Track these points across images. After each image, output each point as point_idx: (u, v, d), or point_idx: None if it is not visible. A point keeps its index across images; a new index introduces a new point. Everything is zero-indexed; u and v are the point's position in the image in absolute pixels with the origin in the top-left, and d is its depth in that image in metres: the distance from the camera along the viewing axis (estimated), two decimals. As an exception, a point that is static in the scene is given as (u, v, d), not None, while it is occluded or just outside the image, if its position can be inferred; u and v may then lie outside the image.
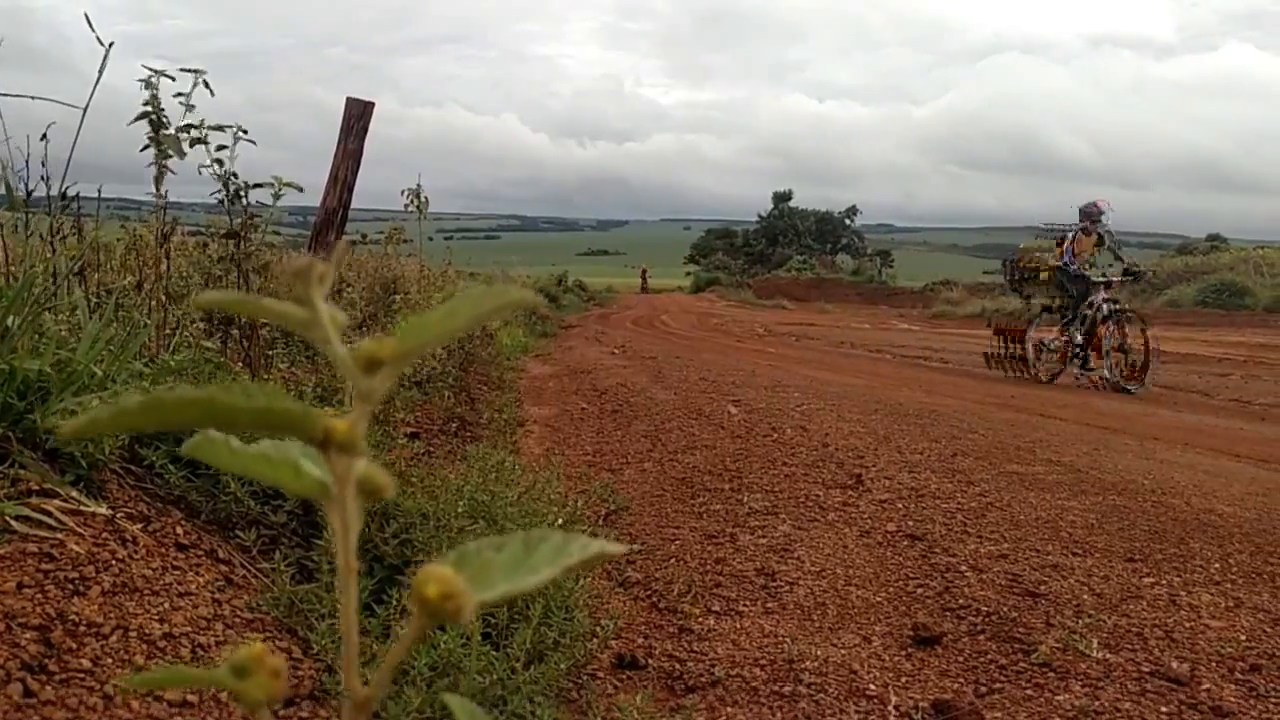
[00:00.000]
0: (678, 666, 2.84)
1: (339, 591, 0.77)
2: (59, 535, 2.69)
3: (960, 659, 2.90)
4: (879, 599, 3.39)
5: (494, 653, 2.27)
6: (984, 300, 29.44)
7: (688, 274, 64.15)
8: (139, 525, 2.89)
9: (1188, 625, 3.07)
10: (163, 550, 2.84)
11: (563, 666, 2.30)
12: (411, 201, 7.30)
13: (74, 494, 2.90)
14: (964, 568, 3.63)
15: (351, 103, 4.74)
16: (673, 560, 3.82)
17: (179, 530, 3.03)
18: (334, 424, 0.70)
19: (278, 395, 0.76)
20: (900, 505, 4.49)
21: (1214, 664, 2.79)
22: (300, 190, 4.05)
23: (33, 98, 2.83)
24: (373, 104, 4.71)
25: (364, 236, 8.10)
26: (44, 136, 3.01)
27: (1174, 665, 2.76)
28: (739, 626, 3.15)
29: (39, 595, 2.33)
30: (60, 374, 2.77)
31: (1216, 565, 3.65)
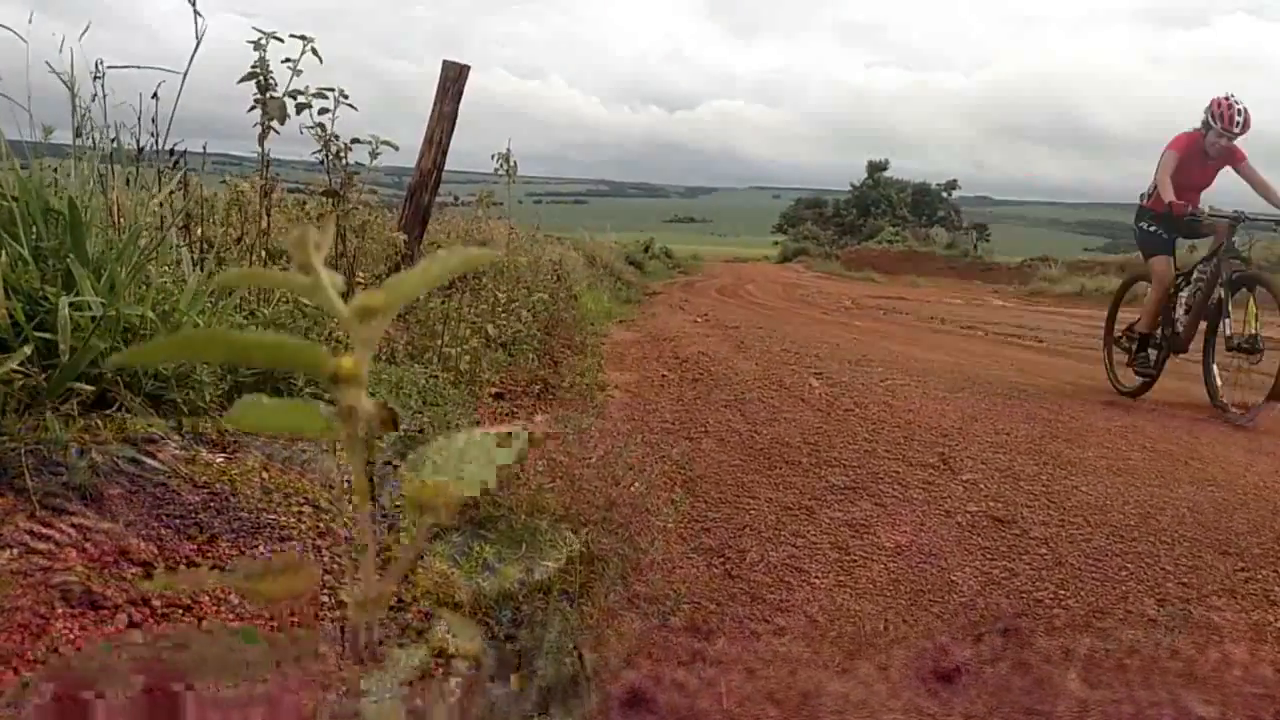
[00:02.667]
0: (751, 647, 2.85)
1: (356, 513, 0.84)
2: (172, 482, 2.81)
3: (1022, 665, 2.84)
4: (955, 578, 3.35)
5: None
6: (1083, 278, 28.46)
7: (775, 243, 63.36)
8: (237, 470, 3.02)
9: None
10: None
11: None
12: (501, 165, 7.39)
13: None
14: (1043, 549, 3.56)
15: (448, 65, 4.80)
16: (747, 530, 3.82)
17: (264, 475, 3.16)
18: (341, 360, 0.80)
19: (288, 338, 0.85)
20: (986, 487, 4.42)
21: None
22: (396, 149, 4.15)
23: (139, 67, 2.97)
24: (468, 67, 4.76)
25: (456, 198, 8.21)
26: (155, 95, 3.15)
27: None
28: (811, 599, 3.15)
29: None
30: (164, 323, 2.90)
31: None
